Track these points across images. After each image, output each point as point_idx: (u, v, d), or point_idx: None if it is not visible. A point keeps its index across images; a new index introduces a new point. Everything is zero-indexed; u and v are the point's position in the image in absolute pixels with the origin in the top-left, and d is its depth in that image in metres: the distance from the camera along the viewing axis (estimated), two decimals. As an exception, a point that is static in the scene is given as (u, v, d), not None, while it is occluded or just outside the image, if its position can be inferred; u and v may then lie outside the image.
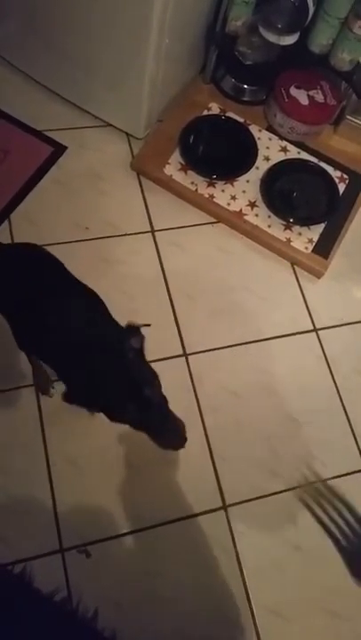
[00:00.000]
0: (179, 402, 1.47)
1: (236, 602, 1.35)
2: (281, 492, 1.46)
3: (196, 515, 1.41)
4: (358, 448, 1.55)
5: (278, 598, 1.36)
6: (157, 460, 1.45)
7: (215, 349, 1.62)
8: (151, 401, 1.03)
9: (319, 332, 1.69)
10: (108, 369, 1.05)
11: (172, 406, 1.48)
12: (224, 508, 1.43)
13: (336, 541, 0.63)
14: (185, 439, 1.05)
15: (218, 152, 1.85)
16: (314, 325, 1.70)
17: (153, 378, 1.07)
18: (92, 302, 1.20)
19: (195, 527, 1.40)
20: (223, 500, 1.43)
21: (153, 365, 1.10)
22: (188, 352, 1.60)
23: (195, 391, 1.55)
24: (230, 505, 1.43)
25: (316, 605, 1.37)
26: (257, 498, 1.44)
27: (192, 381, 1.56)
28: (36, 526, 1.35)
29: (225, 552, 1.39)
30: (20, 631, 1.16)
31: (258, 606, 1.35)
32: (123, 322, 1.20)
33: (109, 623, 1.27)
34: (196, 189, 1.77)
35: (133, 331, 1.09)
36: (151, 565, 1.36)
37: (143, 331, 1.10)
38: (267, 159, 1.85)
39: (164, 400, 1.08)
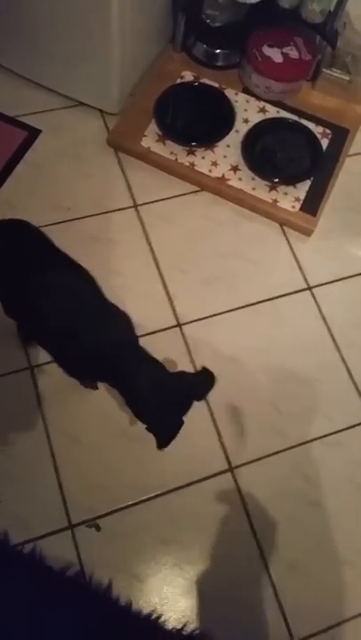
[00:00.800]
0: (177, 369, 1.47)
1: (252, 561, 1.34)
2: (286, 449, 1.45)
3: (204, 479, 1.40)
4: (361, 399, 1.54)
5: (293, 554, 1.35)
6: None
7: (209, 317, 1.61)
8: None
9: (313, 290, 1.67)
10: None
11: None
12: (231, 469, 1.42)
13: None
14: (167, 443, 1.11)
15: (195, 119, 1.82)
16: (308, 284, 1.68)
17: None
18: (81, 275, 1.20)
19: (203, 491, 1.39)
20: (229, 462, 1.42)
21: (148, 338, 1.15)
22: (181, 322, 1.59)
23: (192, 360, 1.54)
24: (237, 466, 1.42)
25: (332, 557, 1.36)
26: (263, 457, 1.44)
27: (188, 351, 1.55)
28: (43, 505, 1.35)
29: (236, 513, 1.38)
30: (32, 607, 1.17)
31: (273, 563, 1.34)
32: (114, 299, 1.20)
33: (126, 593, 1.27)
34: (176, 159, 1.75)
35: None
36: (164, 533, 1.35)
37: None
38: (246, 121, 1.82)
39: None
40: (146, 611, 1.25)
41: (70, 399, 1.45)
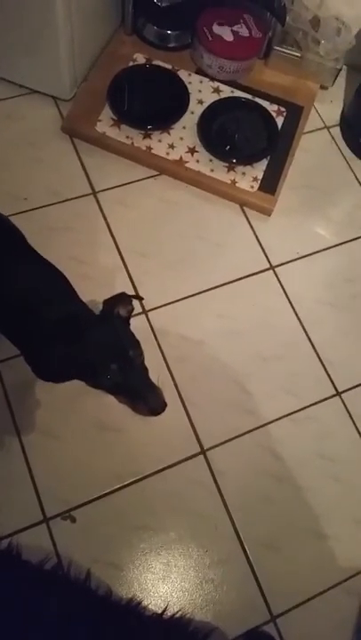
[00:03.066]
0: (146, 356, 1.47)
1: (228, 541, 1.36)
2: (256, 428, 1.46)
3: (176, 463, 1.41)
4: (327, 374, 1.55)
5: (267, 531, 1.37)
6: (130, 416, 1.42)
7: (175, 302, 1.60)
8: (134, 361, 1.04)
9: (276, 270, 1.68)
10: (92, 334, 1.06)
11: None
12: (203, 452, 1.43)
13: None
14: (165, 403, 1.05)
15: (149, 102, 1.80)
16: (270, 263, 1.69)
17: (137, 344, 1.09)
18: (49, 270, 1.19)
19: (176, 476, 1.40)
20: (201, 445, 1.43)
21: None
22: (147, 308, 1.58)
23: (159, 345, 1.53)
24: (208, 449, 1.43)
25: (306, 532, 1.39)
26: (234, 437, 1.45)
27: (155, 336, 1.54)
28: (17, 500, 1.34)
29: (210, 495, 1.39)
30: (11, 602, 1.16)
31: (249, 542, 1.36)
32: (76, 288, 1.20)
33: (105, 582, 1.27)
34: (132, 143, 1.73)
35: (123, 299, 1.11)
36: (139, 520, 1.36)
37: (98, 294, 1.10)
38: (200, 102, 1.81)
39: (145, 369, 1.09)
40: (126, 598, 1.26)
41: (37, 392, 1.44)
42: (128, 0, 1.79)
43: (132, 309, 1.14)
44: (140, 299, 1.15)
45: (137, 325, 1.52)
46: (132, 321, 1.53)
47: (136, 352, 1.06)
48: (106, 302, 1.11)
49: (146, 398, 1.04)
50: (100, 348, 1.04)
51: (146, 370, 1.09)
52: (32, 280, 1.15)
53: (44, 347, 1.07)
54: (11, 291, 1.13)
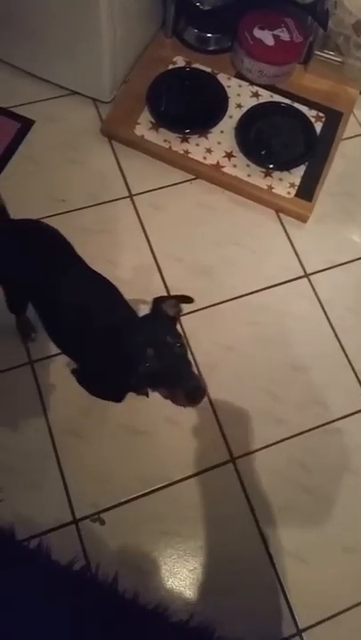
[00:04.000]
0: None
1: (255, 551, 1.35)
2: (286, 438, 1.45)
3: (205, 470, 1.41)
4: (360, 385, 1.53)
5: (295, 542, 1.36)
6: (161, 421, 1.45)
7: (207, 307, 1.60)
8: (172, 348, 1.00)
9: (310, 277, 1.66)
10: (134, 326, 1.06)
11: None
12: (232, 460, 1.42)
13: None
14: (203, 389, 0.98)
15: (188, 106, 1.80)
16: (305, 271, 1.67)
17: (178, 335, 1.04)
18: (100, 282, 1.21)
19: (205, 483, 1.40)
20: (230, 453, 1.43)
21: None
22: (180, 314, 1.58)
23: (190, 350, 1.53)
24: (238, 457, 1.43)
25: (333, 543, 1.37)
26: (264, 447, 1.44)
27: (187, 341, 1.54)
28: (48, 501, 1.35)
29: (238, 503, 1.39)
30: (39, 601, 1.18)
31: (276, 552, 1.35)
32: None
33: (131, 586, 1.28)
34: (170, 147, 1.73)
35: (171, 300, 1.09)
36: (167, 525, 1.36)
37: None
38: (239, 106, 1.80)
39: (186, 359, 1.03)
40: (152, 603, 1.26)
41: (70, 394, 1.45)
42: (170, 3, 1.79)
43: (181, 311, 1.11)
44: (191, 301, 1.11)
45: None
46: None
47: (175, 339, 1.02)
48: (156, 300, 1.09)
49: (183, 385, 0.97)
50: (139, 335, 1.01)
51: (187, 361, 1.03)
52: (83, 293, 1.16)
53: (94, 361, 1.08)
54: (64, 304, 1.14)
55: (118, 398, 1.24)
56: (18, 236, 1.25)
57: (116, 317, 1.12)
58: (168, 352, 0.99)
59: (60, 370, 1.47)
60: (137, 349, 0.99)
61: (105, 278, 1.21)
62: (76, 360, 1.26)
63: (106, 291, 1.20)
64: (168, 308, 1.07)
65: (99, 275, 1.21)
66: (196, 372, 1.47)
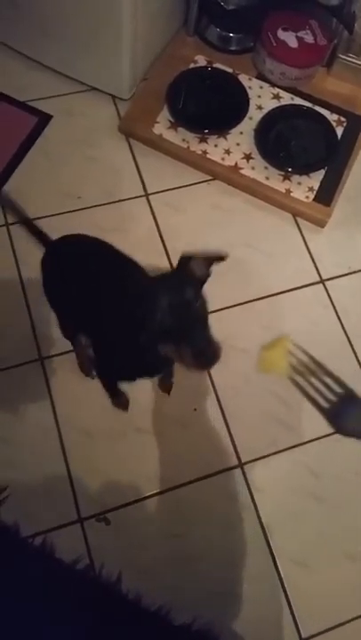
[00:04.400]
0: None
1: (260, 557, 1.34)
2: (296, 445, 1.44)
3: (213, 474, 1.40)
4: (373, 396, 1.52)
5: (301, 549, 1.35)
6: (169, 422, 1.44)
7: (220, 310, 1.58)
8: (190, 304, 0.90)
9: (326, 283, 1.65)
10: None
11: (180, 371, 1.47)
12: (240, 465, 1.41)
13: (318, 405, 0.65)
14: (216, 354, 0.87)
15: (208, 106, 1.78)
16: (320, 277, 1.66)
17: (200, 292, 0.94)
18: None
19: (212, 487, 1.39)
20: (239, 457, 1.42)
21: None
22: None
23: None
24: (246, 462, 1.41)
25: (339, 552, 1.36)
26: (273, 453, 1.43)
27: (199, 343, 1.53)
28: (54, 498, 1.35)
29: (245, 509, 1.38)
30: (42, 600, 1.18)
31: (281, 558, 1.34)
32: None
33: (135, 588, 1.27)
34: (188, 147, 1.72)
35: (201, 259, 0.96)
36: (171, 528, 1.35)
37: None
38: (259, 108, 1.78)
39: (205, 322, 0.92)
40: (155, 605, 1.26)
41: (80, 392, 1.45)
42: (194, 0, 1.77)
43: (210, 273, 0.99)
44: (224, 258, 0.99)
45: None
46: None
47: (194, 295, 0.91)
48: (184, 257, 0.98)
49: (191, 342, 0.87)
50: (155, 289, 0.91)
51: (204, 322, 0.92)
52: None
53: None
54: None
55: (131, 376, 1.18)
56: (62, 257, 1.24)
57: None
58: (184, 310, 0.89)
59: (70, 367, 1.46)
60: (150, 303, 0.89)
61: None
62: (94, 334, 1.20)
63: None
64: (196, 267, 0.96)
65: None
66: (206, 372, 1.49)
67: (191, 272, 0.95)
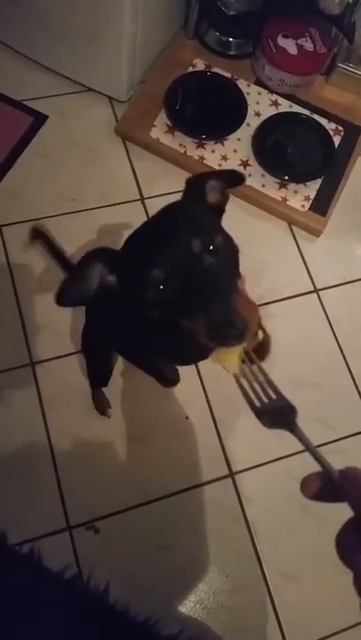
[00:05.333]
0: (180, 371, 1.45)
1: (248, 567, 1.34)
2: (287, 456, 1.44)
3: (204, 484, 1.40)
4: (365, 408, 1.52)
5: (290, 561, 1.35)
6: (161, 431, 1.43)
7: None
8: (201, 258, 0.68)
9: (320, 293, 1.65)
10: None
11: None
12: (231, 475, 1.41)
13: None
14: (243, 322, 0.65)
15: (206, 110, 1.77)
16: (314, 286, 1.65)
17: (217, 234, 0.71)
18: None
19: (203, 496, 1.39)
20: (230, 467, 1.41)
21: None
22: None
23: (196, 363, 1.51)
24: (237, 472, 1.41)
25: (327, 563, 1.36)
26: (264, 463, 1.43)
27: (192, 350, 1.53)
28: (42, 506, 1.34)
29: (235, 519, 1.38)
30: (28, 608, 1.16)
31: (270, 570, 1.34)
32: None
33: (122, 598, 1.27)
34: (185, 152, 1.71)
35: (214, 180, 0.75)
36: (162, 537, 1.35)
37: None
38: (257, 115, 1.77)
39: (228, 280, 0.70)
40: (142, 615, 1.25)
41: (71, 398, 1.43)
42: (194, 3, 1.76)
43: (226, 199, 0.77)
44: (242, 180, 0.78)
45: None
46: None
47: (205, 241, 0.67)
48: (192, 180, 0.76)
49: (210, 317, 0.64)
50: (144, 245, 0.71)
51: (224, 276, 0.69)
52: None
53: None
54: None
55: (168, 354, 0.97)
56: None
57: None
58: (190, 266, 0.66)
59: (61, 373, 1.45)
60: (141, 266, 0.67)
61: None
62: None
63: None
64: (210, 193, 0.75)
65: None
66: (199, 380, 1.48)
67: (205, 201, 0.73)
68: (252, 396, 0.61)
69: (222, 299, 0.65)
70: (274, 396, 0.61)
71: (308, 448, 0.48)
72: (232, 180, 0.77)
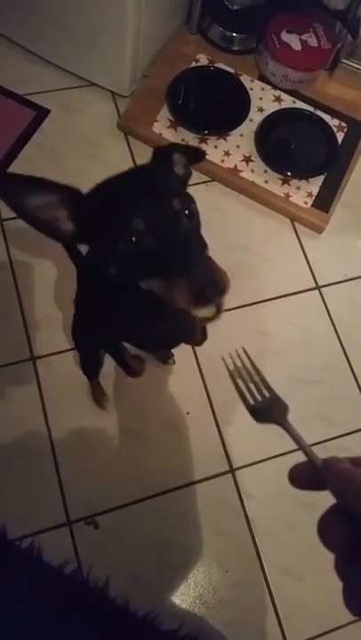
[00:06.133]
0: (181, 368, 1.46)
1: (248, 563, 1.34)
2: (288, 452, 1.43)
3: (204, 480, 1.40)
4: (366, 405, 1.52)
5: (290, 557, 1.35)
6: (161, 427, 1.43)
7: (215, 313, 1.57)
8: (178, 217, 0.69)
9: (322, 290, 1.64)
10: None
11: (174, 374, 1.46)
12: (231, 471, 1.41)
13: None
14: (220, 282, 0.67)
15: (208, 106, 1.76)
16: (316, 283, 1.65)
17: (187, 196, 0.71)
18: None
19: (203, 492, 1.39)
20: (230, 463, 1.42)
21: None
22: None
23: (196, 358, 1.51)
24: (237, 468, 1.41)
25: (328, 560, 1.36)
26: (264, 460, 1.43)
27: (193, 350, 1.52)
28: (42, 500, 1.34)
29: (235, 515, 1.38)
30: (26, 602, 1.17)
31: (270, 566, 1.34)
32: None
33: (123, 592, 1.27)
34: (188, 147, 1.70)
35: (178, 152, 0.76)
36: (161, 533, 1.35)
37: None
38: (260, 110, 1.77)
39: (199, 240, 0.73)
40: (142, 610, 1.25)
41: (71, 393, 1.43)
42: (197, -2, 1.75)
43: (190, 173, 0.79)
44: (202, 157, 0.80)
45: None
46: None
47: (184, 204, 0.68)
48: (158, 148, 0.77)
49: (187, 274, 0.64)
50: (122, 194, 0.69)
51: (199, 239, 0.72)
52: None
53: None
54: None
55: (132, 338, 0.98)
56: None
57: None
58: (171, 223, 0.67)
59: (62, 368, 1.45)
60: (118, 214, 0.66)
61: None
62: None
63: None
64: (178, 164, 0.76)
65: None
66: (200, 377, 1.48)
67: (173, 170, 0.73)
68: (246, 393, 0.62)
69: (204, 260, 0.67)
70: (267, 394, 0.62)
71: (297, 441, 0.49)
72: (194, 155, 0.78)
